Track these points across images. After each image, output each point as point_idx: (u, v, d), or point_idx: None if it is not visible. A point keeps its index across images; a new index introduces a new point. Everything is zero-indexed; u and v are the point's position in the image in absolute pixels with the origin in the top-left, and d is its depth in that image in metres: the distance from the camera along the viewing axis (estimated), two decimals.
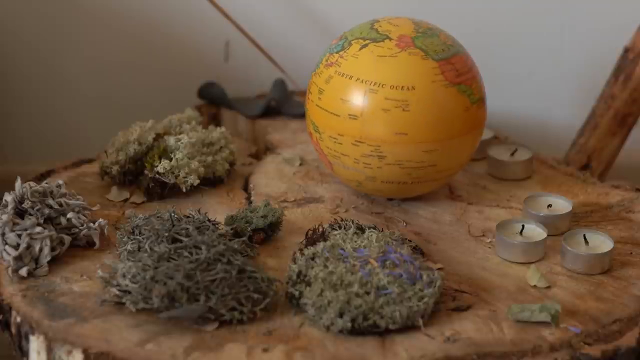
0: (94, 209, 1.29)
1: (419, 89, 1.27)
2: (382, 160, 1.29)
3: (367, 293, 1.11)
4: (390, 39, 1.29)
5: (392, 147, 1.28)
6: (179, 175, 1.35)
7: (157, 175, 1.35)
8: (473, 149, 1.34)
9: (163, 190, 1.36)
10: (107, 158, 1.40)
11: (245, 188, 1.42)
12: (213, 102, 1.66)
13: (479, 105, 1.31)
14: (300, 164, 1.47)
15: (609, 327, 1.13)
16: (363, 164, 1.30)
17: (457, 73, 1.28)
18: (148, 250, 1.17)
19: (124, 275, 1.14)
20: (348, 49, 1.30)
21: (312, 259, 1.17)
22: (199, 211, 1.26)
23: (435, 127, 1.28)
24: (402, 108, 1.27)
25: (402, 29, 1.30)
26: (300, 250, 1.20)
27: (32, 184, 1.26)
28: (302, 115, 1.56)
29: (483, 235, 1.30)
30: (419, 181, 1.32)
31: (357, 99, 1.28)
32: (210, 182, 1.40)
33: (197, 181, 1.36)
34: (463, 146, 1.31)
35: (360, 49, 1.29)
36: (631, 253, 1.26)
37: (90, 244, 1.25)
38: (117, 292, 1.13)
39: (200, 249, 1.15)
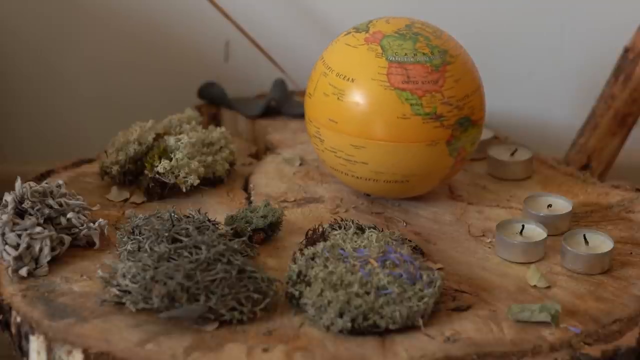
0: (94, 209, 1.29)
1: (357, 83, 1.28)
2: (322, 143, 1.33)
3: (367, 293, 1.11)
4: (367, 32, 1.30)
5: (326, 132, 1.31)
6: (179, 175, 1.35)
7: (157, 175, 1.35)
8: (426, 163, 1.29)
9: (163, 190, 1.36)
10: (107, 158, 1.40)
11: (245, 188, 1.42)
12: (213, 102, 1.66)
13: (431, 120, 1.27)
14: (300, 164, 1.47)
15: (609, 327, 1.13)
16: (314, 144, 1.35)
17: (407, 80, 1.26)
18: (148, 250, 1.17)
19: (124, 275, 1.14)
20: (342, 34, 1.34)
21: (312, 259, 1.17)
22: (199, 211, 1.26)
23: (362, 123, 1.28)
24: (337, 96, 1.29)
25: (387, 27, 1.30)
26: (300, 250, 1.20)
27: (32, 184, 1.26)
28: (302, 115, 1.56)
29: (483, 235, 1.30)
30: (359, 177, 1.32)
31: (315, 79, 1.33)
32: (210, 182, 1.40)
33: (197, 181, 1.36)
34: (401, 155, 1.28)
35: (344, 35, 1.32)
36: (631, 253, 1.26)
37: (90, 244, 1.25)
38: (117, 292, 1.13)
39: (200, 249, 1.15)
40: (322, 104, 1.31)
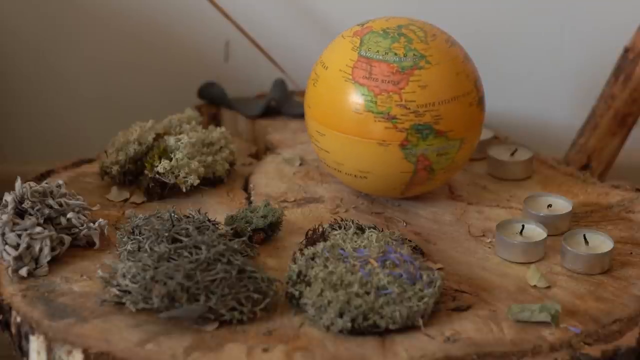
0: (94, 209, 1.29)
1: (328, 71, 1.31)
2: (307, 128, 1.37)
3: (367, 293, 1.11)
4: (362, 27, 1.32)
5: (307, 118, 1.36)
6: (179, 175, 1.35)
7: (157, 175, 1.35)
8: (379, 162, 1.29)
9: (163, 190, 1.36)
10: (107, 158, 1.40)
11: (245, 188, 1.42)
12: (213, 102, 1.66)
13: (383, 119, 1.26)
14: (300, 164, 1.47)
15: (609, 327, 1.13)
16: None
17: (368, 76, 1.27)
18: (148, 250, 1.17)
19: (124, 275, 1.14)
20: None
21: (312, 259, 1.17)
22: (199, 211, 1.26)
23: (324, 112, 1.31)
24: (314, 82, 1.33)
25: (382, 24, 1.31)
26: (300, 250, 1.20)
27: (32, 184, 1.26)
28: (302, 115, 1.56)
29: (483, 235, 1.30)
30: (328, 166, 1.35)
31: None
32: (210, 182, 1.40)
33: (197, 181, 1.36)
34: (354, 148, 1.29)
35: (350, 28, 1.35)
36: (631, 253, 1.26)
37: (90, 244, 1.25)
38: (117, 292, 1.13)
39: (200, 249, 1.15)
40: (309, 90, 1.35)
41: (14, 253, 1.18)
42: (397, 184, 1.32)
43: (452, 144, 1.29)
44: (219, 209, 1.34)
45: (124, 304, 1.13)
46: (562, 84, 1.78)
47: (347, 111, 1.28)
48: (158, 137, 1.41)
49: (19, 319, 1.13)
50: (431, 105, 1.27)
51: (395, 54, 1.27)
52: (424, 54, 1.28)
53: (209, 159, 1.38)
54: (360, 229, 1.23)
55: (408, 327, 1.11)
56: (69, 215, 1.24)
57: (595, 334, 1.12)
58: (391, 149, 1.28)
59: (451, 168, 1.32)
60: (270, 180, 1.42)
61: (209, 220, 1.24)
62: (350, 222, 1.25)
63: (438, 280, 1.14)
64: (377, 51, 1.28)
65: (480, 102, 1.32)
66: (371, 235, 1.20)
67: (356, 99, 1.28)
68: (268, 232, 1.27)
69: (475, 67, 1.33)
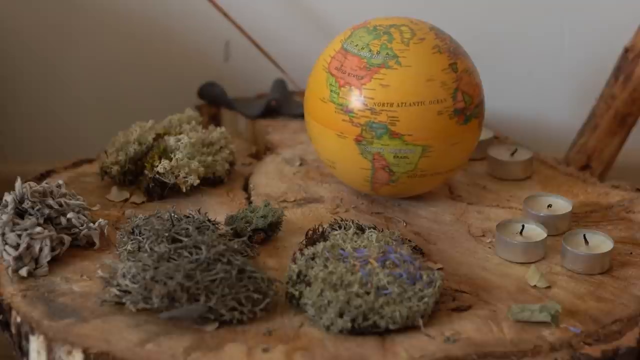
0: (94, 209, 1.29)
1: (318, 62, 1.33)
2: None
3: (367, 293, 1.11)
4: (363, 22, 1.33)
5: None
6: (179, 175, 1.35)
7: (157, 175, 1.35)
8: (338, 153, 1.30)
9: (163, 190, 1.36)
10: (107, 158, 1.40)
11: (245, 188, 1.42)
12: (213, 102, 1.66)
13: (342, 111, 1.27)
14: (300, 164, 1.47)
15: (609, 327, 1.13)
16: None
17: (339, 67, 1.29)
18: (148, 250, 1.17)
19: (124, 275, 1.14)
20: None
21: (312, 259, 1.17)
22: (199, 211, 1.26)
23: (307, 99, 1.35)
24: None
25: (378, 21, 1.32)
26: (300, 250, 1.20)
27: (32, 184, 1.26)
28: (302, 116, 1.56)
29: (483, 235, 1.30)
30: (317, 153, 1.38)
31: None
32: (210, 182, 1.40)
33: (197, 181, 1.36)
34: (321, 136, 1.32)
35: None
36: (631, 253, 1.26)
37: (90, 244, 1.25)
38: (117, 292, 1.13)
39: (200, 249, 1.15)
40: None
41: (14, 253, 1.18)
42: (362, 180, 1.32)
43: (411, 149, 1.27)
44: (219, 209, 1.34)
45: (124, 304, 1.13)
46: (562, 84, 1.78)
47: (315, 99, 1.31)
48: (158, 137, 1.41)
49: (19, 319, 1.13)
50: (389, 105, 1.26)
51: (370, 50, 1.28)
52: (398, 54, 1.27)
53: (209, 159, 1.38)
54: (360, 229, 1.23)
55: (408, 327, 1.11)
56: (69, 215, 1.24)
57: (595, 334, 1.12)
58: (348, 142, 1.29)
59: (416, 174, 1.30)
60: (270, 180, 1.42)
61: (209, 220, 1.24)
62: (350, 222, 1.25)
63: (438, 280, 1.14)
64: (356, 45, 1.29)
65: (456, 114, 1.28)
66: (371, 235, 1.19)
67: (325, 87, 1.30)
68: (268, 232, 1.27)
69: (467, 79, 1.29)
